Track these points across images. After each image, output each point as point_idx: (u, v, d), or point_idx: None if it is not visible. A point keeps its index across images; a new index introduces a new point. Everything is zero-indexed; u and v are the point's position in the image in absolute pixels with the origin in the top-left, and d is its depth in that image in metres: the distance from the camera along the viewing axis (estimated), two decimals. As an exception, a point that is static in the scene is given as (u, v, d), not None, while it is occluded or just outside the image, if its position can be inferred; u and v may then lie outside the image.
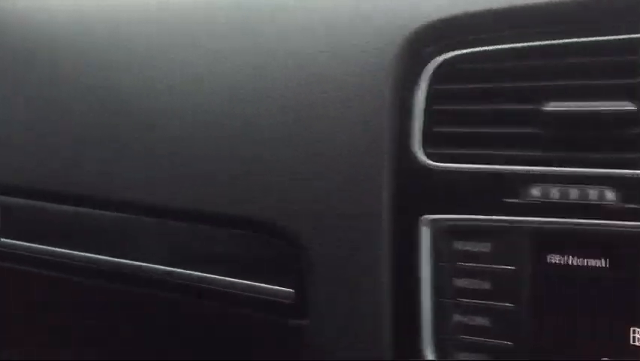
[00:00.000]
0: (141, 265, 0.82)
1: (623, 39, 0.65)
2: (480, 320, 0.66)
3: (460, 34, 0.70)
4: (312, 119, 0.73)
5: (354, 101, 0.71)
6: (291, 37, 0.77)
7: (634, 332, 0.63)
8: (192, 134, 0.80)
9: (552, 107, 0.65)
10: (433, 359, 0.67)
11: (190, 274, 0.80)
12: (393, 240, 0.69)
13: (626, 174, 0.63)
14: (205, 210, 0.79)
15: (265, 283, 0.75)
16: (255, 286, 0.76)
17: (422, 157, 0.70)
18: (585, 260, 0.64)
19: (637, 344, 0.63)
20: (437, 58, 0.71)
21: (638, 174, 0.62)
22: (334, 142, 0.71)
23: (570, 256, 0.65)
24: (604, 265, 0.64)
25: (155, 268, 0.82)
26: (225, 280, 0.79)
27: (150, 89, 0.83)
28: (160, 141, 0.81)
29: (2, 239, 0.94)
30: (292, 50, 0.76)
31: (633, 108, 0.63)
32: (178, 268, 0.81)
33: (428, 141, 0.70)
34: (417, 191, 0.70)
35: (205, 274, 0.79)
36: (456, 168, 0.68)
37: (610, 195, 0.63)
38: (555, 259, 0.65)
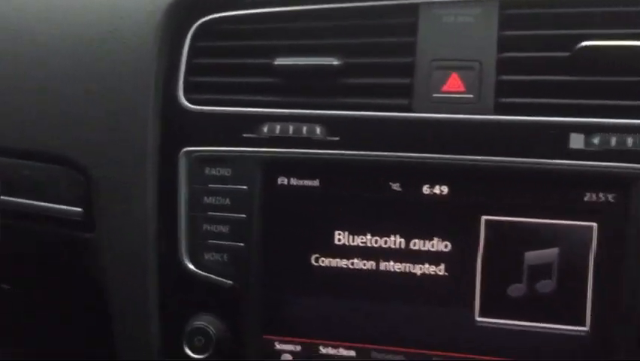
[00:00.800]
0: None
1: (330, 9, 0.84)
2: (221, 228, 0.84)
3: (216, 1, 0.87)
4: (94, 69, 0.88)
5: (127, 54, 0.86)
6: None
7: (339, 234, 0.83)
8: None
9: (280, 61, 0.83)
10: (187, 258, 0.85)
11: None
12: (159, 167, 0.86)
13: (330, 114, 0.82)
14: (9, 146, 0.93)
15: (60, 205, 0.90)
16: (52, 207, 0.91)
17: (183, 101, 0.86)
18: (302, 181, 0.83)
19: (339, 243, 0.83)
20: (198, 20, 0.87)
21: (339, 115, 0.82)
22: (112, 88, 0.86)
23: (292, 178, 0.84)
24: (317, 185, 0.83)
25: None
26: (30, 204, 0.93)
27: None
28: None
29: None
30: (81, 13, 0.91)
31: (338, 63, 0.82)
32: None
33: (189, 88, 0.87)
34: (178, 128, 0.86)
35: (10, 198, 0.93)
36: (208, 110, 0.86)
37: (318, 130, 0.82)
38: (280, 180, 0.84)
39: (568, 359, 0.78)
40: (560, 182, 0.77)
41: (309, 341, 0.85)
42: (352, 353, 0.83)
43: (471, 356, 0.80)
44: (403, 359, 0.82)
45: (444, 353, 0.81)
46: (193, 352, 0.82)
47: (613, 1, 0.77)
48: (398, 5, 0.82)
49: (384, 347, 0.83)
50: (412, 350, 0.82)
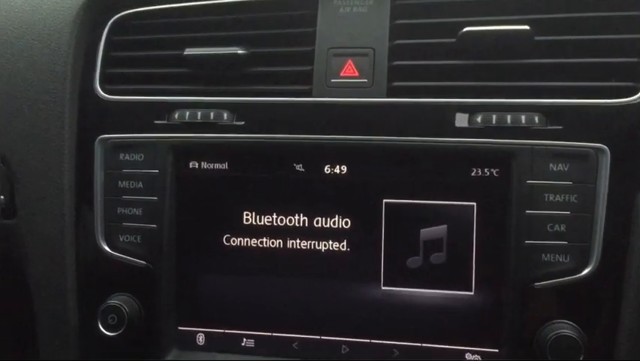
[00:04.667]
0: None
1: (236, 2, 0.87)
2: (135, 211, 0.86)
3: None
4: (12, 63, 0.90)
5: (44, 49, 0.89)
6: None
7: (247, 214, 0.86)
8: None
9: (190, 52, 0.86)
10: (103, 240, 0.87)
11: None
12: (76, 155, 0.88)
13: (236, 100, 0.85)
14: None
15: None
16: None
17: (99, 92, 0.89)
18: (212, 164, 0.86)
19: (247, 223, 0.85)
20: (114, 15, 0.90)
21: (245, 101, 0.85)
22: (29, 81, 0.89)
23: (202, 162, 0.86)
24: (226, 168, 0.86)
25: None
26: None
27: None
28: None
29: None
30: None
31: (243, 52, 0.85)
32: None
33: (106, 79, 0.90)
34: (94, 117, 0.89)
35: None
36: (122, 99, 0.88)
37: (225, 115, 0.85)
38: (192, 164, 0.86)
39: (457, 318, 0.81)
40: (448, 159, 0.81)
41: (221, 323, 0.87)
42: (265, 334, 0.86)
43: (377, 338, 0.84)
44: (318, 340, 0.85)
45: (349, 339, 0.84)
46: (106, 329, 0.83)
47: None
48: (299, -2, 0.87)
49: (294, 335, 0.85)
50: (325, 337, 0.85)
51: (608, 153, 0.76)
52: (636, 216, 0.75)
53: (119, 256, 0.87)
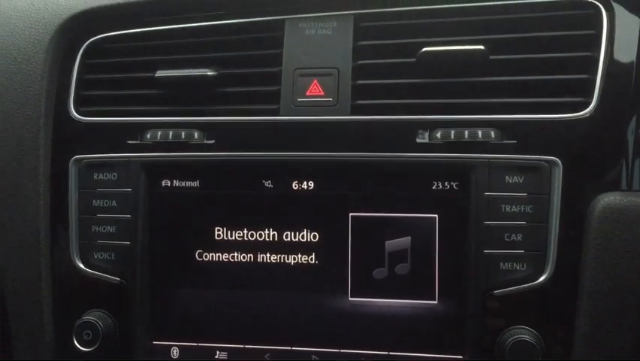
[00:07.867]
0: None
1: (205, 26, 0.91)
2: (109, 228, 0.89)
3: (101, 21, 0.93)
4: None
5: (18, 72, 0.92)
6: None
7: (218, 230, 0.88)
8: None
9: (161, 73, 0.89)
10: (78, 258, 0.89)
11: None
12: (51, 174, 0.91)
13: (207, 120, 0.88)
14: None
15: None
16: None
17: (74, 113, 0.92)
18: (184, 182, 0.89)
19: (219, 238, 0.88)
20: (87, 39, 0.93)
21: (215, 120, 0.88)
22: (3, 103, 0.91)
23: (174, 180, 0.89)
24: (197, 185, 0.89)
25: None
26: None
27: None
28: None
29: None
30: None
31: (213, 74, 0.88)
32: None
33: (80, 101, 0.93)
34: (69, 138, 0.92)
35: None
36: (96, 120, 0.91)
37: (196, 134, 0.88)
38: (164, 182, 0.89)
39: (422, 326, 0.84)
40: (410, 173, 0.84)
41: (195, 337, 0.89)
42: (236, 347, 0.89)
43: (345, 348, 0.86)
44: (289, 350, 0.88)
45: (319, 349, 0.87)
46: (81, 345, 0.85)
47: (447, 13, 0.86)
48: (266, 21, 0.90)
49: (266, 346, 0.88)
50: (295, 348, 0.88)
51: (561, 165, 0.80)
52: (588, 225, 0.79)
53: (93, 273, 0.89)
